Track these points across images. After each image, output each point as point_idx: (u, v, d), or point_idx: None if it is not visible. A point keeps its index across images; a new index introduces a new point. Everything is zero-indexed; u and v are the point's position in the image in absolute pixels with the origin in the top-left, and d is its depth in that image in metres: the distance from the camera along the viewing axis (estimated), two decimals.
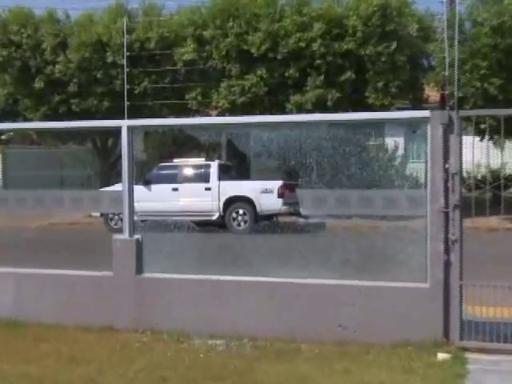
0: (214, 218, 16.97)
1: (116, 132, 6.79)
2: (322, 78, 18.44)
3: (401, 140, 22.26)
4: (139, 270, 6.71)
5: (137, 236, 6.80)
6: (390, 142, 20.20)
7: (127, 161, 6.75)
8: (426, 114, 6.14)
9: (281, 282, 6.40)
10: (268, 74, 19.02)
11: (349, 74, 18.47)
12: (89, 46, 20.40)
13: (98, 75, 20.52)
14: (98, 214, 16.82)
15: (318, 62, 18.57)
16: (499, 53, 16.75)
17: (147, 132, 20.76)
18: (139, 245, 6.77)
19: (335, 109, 17.84)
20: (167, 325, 6.49)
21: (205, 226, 15.50)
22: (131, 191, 6.78)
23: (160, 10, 21.35)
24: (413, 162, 22.64)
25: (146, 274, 6.74)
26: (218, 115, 20.36)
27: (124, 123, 6.80)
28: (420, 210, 6.09)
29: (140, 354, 5.88)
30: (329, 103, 18.27)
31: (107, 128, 9.03)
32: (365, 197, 6.50)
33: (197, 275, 6.61)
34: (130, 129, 6.80)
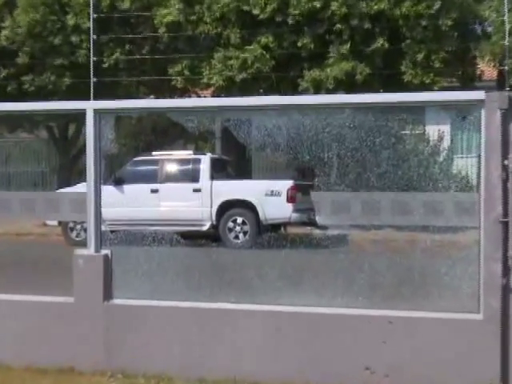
0: (205, 228, 16.98)
1: (79, 117, 6.81)
2: (347, 46, 18.43)
3: (446, 129, 22.23)
4: (108, 295, 6.71)
5: (105, 251, 6.81)
6: (432, 131, 20.16)
7: (93, 154, 6.77)
8: (479, 95, 6.13)
9: (290, 312, 6.40)
10: (275, 42, 19.05)
11: (380, 43, 18.49)
12: (43, 6, 20.45)
13: (56, 43, 20.56)
14: (54, 223, 16.84)
15: (339, 26, 18.59)
16: None
17: (119, 117, 20.73)
18: (108, 262, 6.77)
19: (362, 88, 17.85)
20: (144, 366, 6.48)
21: (193, 238, 15.50)
22: (98, 193, 6.78)
23: None
24: (462, 157, 22.60)
25: (117, 301, 6.74)
26: (210, 96, 20.39)
27: (89, 105, 6.81)
28: (471, 219, 6.08)
29: None
30: (358, 78, 18.25)
31: (67, 112, 9.02)
32: (399, 202, 6.51)
33: (182, 302, 6.62)
34: (98, 113, 6.81)
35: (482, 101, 6.03)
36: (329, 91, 17.96)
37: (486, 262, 5.96)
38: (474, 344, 5.94)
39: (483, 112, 6.02)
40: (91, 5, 19.70)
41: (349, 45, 18.52)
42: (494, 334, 5.88)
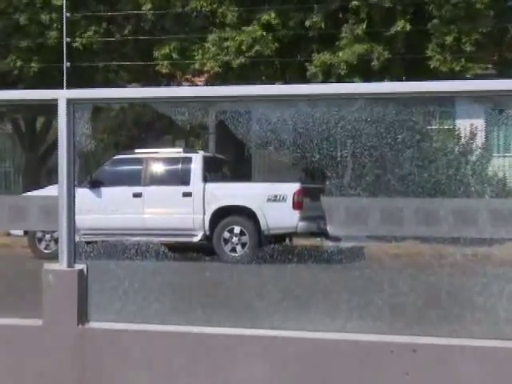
0: (197, 239, 16.99)
1: (49, 108, 6.81)
2: (362, 27, 18.45)
3: (480, 123, 22.25)
4: (83, 317, 6.70)
5: (80, 266, 6.79)
6: (463, 126, 20.19)
7: (66, 151, 6.75)
8: None
9: (297, 338, 6.39)
10: (279, 21, 19.07)
11: (401, 25, 18.51)
12: None
13: (22, 21, 20.58)
14: (20, 232, 16.85)
15: (355, 3, 18.61)
16: None
17: (97, 108, 20.79)
18: (83, 279, 6.76)
19: (382, 75, 17.87)
20: None
21: (183, 251, 15.51)
22: (72, 197, 6.78)
23: None
24: (498, 157, 22.64)
25: (93, 324, 6.73)
26: (203, 84, 20.41)
27: (62, 95, 6.78)
28: (509, 229, 6.09)
29: None
30: (374, 64, 18.27)
31: (36, 102, 9.04)
32: (425, 209, 6.51)
33: (171, 326, 6.62)
34: (71, 103, 6.79)
35: None
36: (341, 78, 17.97)
37: None
38: None
39: None
40: None
41: (365, 25, 18.51)
42: None
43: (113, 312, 6.82)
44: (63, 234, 6.73)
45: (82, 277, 6.73)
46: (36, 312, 6.72)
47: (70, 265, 6.72)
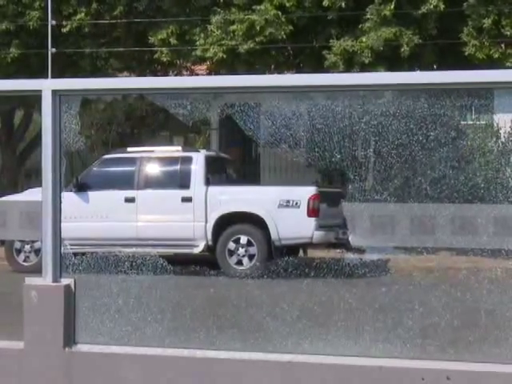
0: (198, 250, 17.04)
1: (31, 101, 6.85)
2: (390, 7, 18.42)
3: None
4: (69, 339, 6.74)
5: (66, 281, 6.84)
6: (503, 121, 20.18)
7: (51, 149, 6.79)
8: None
9: (314, 364, 6.43)
10: (294, 1, 19.12)
11: (433, 3, 18.53)
12: None
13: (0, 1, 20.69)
14: None
15: None
16: None
17: (86, 101, 20.85)
18: (70, 295, 6.80)
19: (411, 63, 17.91)
20: None
21: (183, 263, 15.57)
22: (57, 203, 6.83)
23: None
24: None
25: (82, 346, 6.77)
26: (206, 73, 20.48)
27: (47, 85, 6.83)
28: None
29: None
30: (404, 50, 18.28)
31: (16, 93, 9.08)
32: (461, 216, 6.55)
33: (170, 349, 6.66)
34: (57, 95, 6.84)
35: None
36: (365, 67, 18.01)
37: None
38: None
39: None
40: None
41: (393, 5, 18.51)
42: None
43: (104, 333, 6.85)
44: (47, 245, 6.77)
45: (68, 293, 6.77)
46: (18, 333, 6.78)
47: (55, 279, 6.76)
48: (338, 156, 8.60)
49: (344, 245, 15.26)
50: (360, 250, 13.18)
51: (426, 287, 9.47)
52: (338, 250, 16.35)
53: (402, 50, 18.46)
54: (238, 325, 8.27)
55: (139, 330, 6.94)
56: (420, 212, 6.75)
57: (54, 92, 6.79)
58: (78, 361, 6.72)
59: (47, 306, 6.74)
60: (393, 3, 18.56)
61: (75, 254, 11.67)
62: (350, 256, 14.29)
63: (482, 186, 7.98)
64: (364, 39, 18.63)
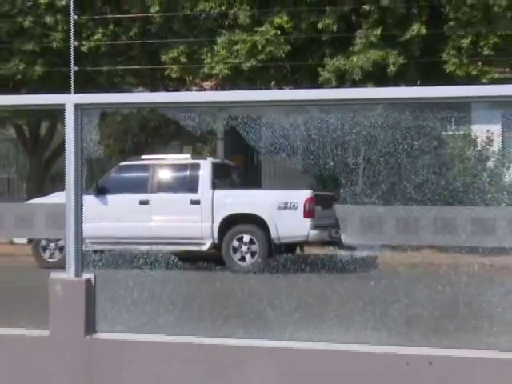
0: (205, 247, 17.03)
1: (55, 113, 6.85)
2: (377, 32, 18.46)
3: (497, 129, 22.23)
4: (90, 327, 6.73)
5: (87, 275, 6.83)
6: (480, 131, 20.17)
7: (74, 157, 6.78)
8: None
9: (310, 350, 6.41)
10: (291, 24, 19.11)
11: (416, 29, 18.51)
12: None
13: (26, 24, 20.66)
14: (23, 241, 16.90)
15: (368, 7, 18.65)
16: None
17: (104, 114, 20.88)
18: (91, 289, 6.79)
19: (396, 80, 17.89)
20: None
21: (192, 260, 15.55)
22: (79, 205, 6.82)
23: None
24: None
25: (101, 334, 6.76)
26: (212, 88, 20.45)
27: (70, 99, 6.81)
28: None
29: None
30: (390, 70, 18.27)
31: (42, 107, 9.07)
32: (442, 217, 6.54)
33: (180, 337, 6.65)
34: (79, 108, 6.83)
35: None
36: (355, 83, 18.00)
37: None
38: None
39: None
40: None
41: (379, 30, 18.49)
42: None
43: (121, 322, 6.85)
44: (70, 243, 6.76)
45: (89, 286, 6.76)
46: (44, 322, 6.78)
47: (77, 274, 6.75)
48: (331, 163, 8.59)
49: (337, 243, 15.23)
50: (351, 248, 13.15)
51: (410, 281, 9.46)
52: (332, 248, 16.31)
53: (389, 69, 18.46)
54: (242, 315, 8.25)
55: (152, 320, 6.93)
56: (405, 213, 6.74)
57: (76, 106, 6.78)
58: (97, 347, 6.72)
59: (70, 298, 6.74)
60: (379, 29, 18.56)
61: (95, 252, 11.70)
62: (342, 253, 14.26)
63: (461, 189, 7.97)
64: (354, 59, 18.63)
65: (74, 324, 6.71)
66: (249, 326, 7.26)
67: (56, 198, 14.21)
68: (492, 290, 6.47)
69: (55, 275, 6.81)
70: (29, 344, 6.85)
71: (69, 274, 6.76)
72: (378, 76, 18.21)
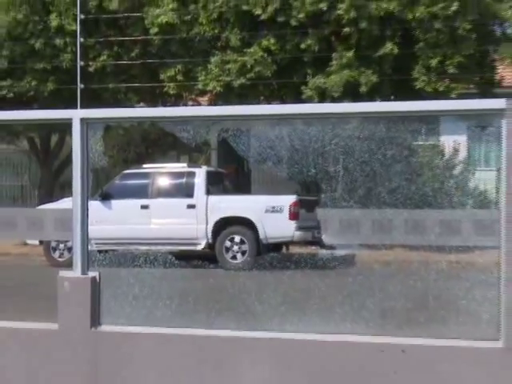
0: (200, 247, 16.99)
1: (63, 127, 6.83)
2: (350, 53, 18.52)
3: (463, 140, 22.30)
4: (95, 320, 6.71)
5: (92, 273, 6.81)
6: (447, 142, 20.22)
7: (80, 166, 6.77)
8: (499, 103, 6.14)
9: (294, 340, 6.40)
10: (277, 45, 19.12)
11: (388, 48, 18.55)
12: (24, 5, 20.52)
13: (38, 46, 20.63)
14: (35, 242, 16.86)
15: (347, 30, 18.68)
16: None
17: (108, 127, 20.85)
18: (96, 286, 6.77)
19: (371, 96, 17.90)
20: None
21: (188, 258, 15.53)
22: (85, 209, 6.80)
23: None
24: (480, 171, 22.71)
25: (105, 327, 6.74)
26: (207, 103, 20.44)
27: (76, 114, 6.80)
28: (490, 238, 6.11)
29: None
30: (362, 89, 18.33)
31: (51, 121, 9.05)
32: (413, 219, 6.53)
33: (177, 328, 6.63)
34: (85, 122, 6.82)
35: (502, 110, 6.03)
36: (334, 99, 18.01)
37: (508, 284, 5.97)
38: (492, 375, 5.94)
39: (504, 122, 6.03)
40: (78, 4, 19.71)
41: (352, 52, 18.52)
42: None
43: (123, 316, 6.82)
44: (77, 244, 6.74)
45: (94, 283, 6.74)
46: (53, 316, 6.75)
47: (83, 272, 6.73)
48: (313, 171, 8.58)
49: (318, 242, 15.23)
50: (331, 247, 13.15)
51: (384, 277, 9.46)
52: (314, 247, 16.31)
53: (361, 89, 18.45)
54: (233, 308, 8.23)
55: (152, 313, 6.91)
56: (379, 216, 6.74)
57: (82, 120, 6.76)
58: (102, 339, 6.70)
59: (77, 294, 6.71)
60: (352, 51, 18.58)
61: (100, 252, 11.67)
62: (323, 252, 14.26)
63: (430, 194, 7.96)
64: (332, 77, 18.65)
65: (81, 318, 6.68)
66: (239, 318, 7.25)
67: (64, 203, 14.15)
68: (458, 285, 6.47)
69: (63, 273, 6.79)
70: (39, 336, 6.82)
71: (76, 272, 6.74)
72: (354, 93, 18.23)
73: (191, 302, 8.48)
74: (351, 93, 18.26)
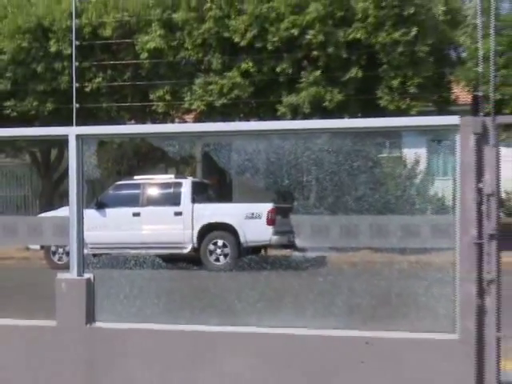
0: (186, 250, 16.98)
1: (61, 142, 6.79)
2: (317, 73, 18.56)
3: (422, 152, 22.42)
4: (90, 318, 6.68)
5: (88, 275, 6.78)
6: (408, 154, 20.34)
7: (76, 178, 6.75)
8: (454, 120, 6.19)
9: (271, 334, 6.40)
10: (255, 68, 19.16)
11: (354, 72, 18.59)
12: (26, 33, 20.45)
13: (39, 69, 20.56)
14: (37, 247, 16.79)
15: (315, 53, 18.72)
16: None
17: (101, 142, 20.79)
18: (91, 286, 6.74)
19: (340, 113, 17.96)
20: None
21: (175, 261, 15.49)
22: (81, 217, 6.78)
23: None
24: (438, 180, 22.81)
25: (99, 324, 6.71)
26: (192, 121, 20.43)
27: (72, 131, 6.79)
28: (447, 241, 6.13)
29: None
30: (326, 104, 18.36)
31: (50, 137, 9.03)
32: (377, 224, 6.55)
33: (164, 325, 6.60)
34: (80, 138, 6.81)
35: (456, 125, 6.08)
36: (305, 116, 18.06)
37: (462, 282, 6.00)
38: (449, 364, 5.96)
39: (458, 136, 6.07)
40: (73, 31, 19.67)
41: (319, 71, 18.58)
42: (469, 354, 5.91)
43: (115, 313, 6.78)
44: (73, 248, 6.72)
45: (89, 284, 6.71)
46: (52, 314, 6.70)
47: (79, 274, 6.70)
48: (288, 181, 8.57)
49: (293, 246, 15.25)
50: (304, 250, 13.15)
51: (352, 276, 9.46)
52: (289, 250, 16.32)
53: (326, 103, 18.47)
54: (215, 306, 8.20)
55: (141, 311, 6.87)
56: (347, 221, 6.74)
57: (77, 136, 6.74)
58: (96, 334, 6.66)
59: (73, 294, 6.68)
60: (319, 71, 18.61)
61: (94, 255, 11.58)
62: (297, 254, 14.26)
63: (393, 201, 7.97)
64: (301, 95, 18.70)
65: (77, 315, 6.65)
66: (221, 315, 7.23)
67: (63, 211, 14.07)
68: (418, 283, 6.48)
69: (61, 275, 6.76)
70: (39, 333, 6.78)
71: (72, 273, 6.71)
72: (323, 109, 18.29)
73: (177, 300, 8.45)
74: (319, 109, 18.32)
